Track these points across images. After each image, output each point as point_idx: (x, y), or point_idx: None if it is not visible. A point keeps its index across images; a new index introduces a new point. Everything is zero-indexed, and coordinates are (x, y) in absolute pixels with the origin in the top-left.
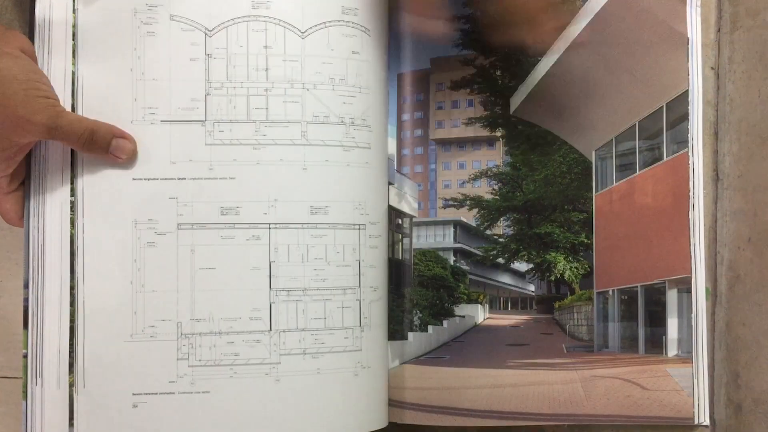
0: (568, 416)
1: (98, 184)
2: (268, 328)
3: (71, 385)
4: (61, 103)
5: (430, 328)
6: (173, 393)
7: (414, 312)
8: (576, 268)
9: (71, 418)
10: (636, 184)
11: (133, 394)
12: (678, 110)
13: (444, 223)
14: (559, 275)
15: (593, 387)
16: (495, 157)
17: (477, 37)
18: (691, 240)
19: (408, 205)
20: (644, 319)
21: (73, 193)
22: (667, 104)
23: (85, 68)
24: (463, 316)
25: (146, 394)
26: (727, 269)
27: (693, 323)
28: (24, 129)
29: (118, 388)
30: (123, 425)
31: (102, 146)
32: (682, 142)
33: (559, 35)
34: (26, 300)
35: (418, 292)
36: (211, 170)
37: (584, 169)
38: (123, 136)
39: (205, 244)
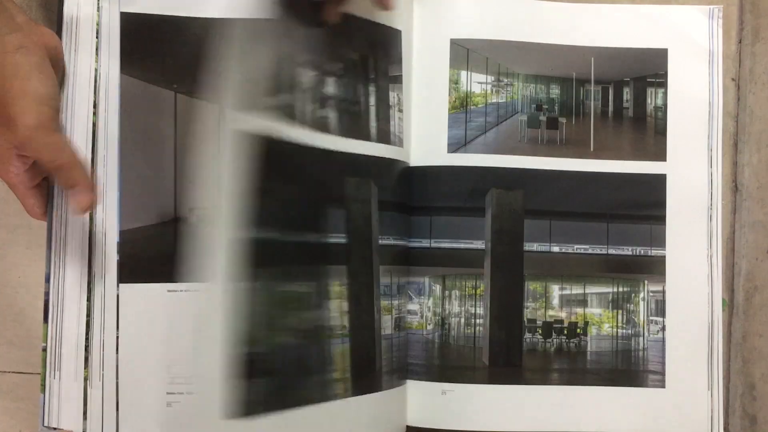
0: None
1: None
2: None
3: (86, 378)
4: (86, 102)
5: None
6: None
7: None
8: None
9: (85, 412)
10: None
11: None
12: None
13: None
14: None
15: None
16: None
17: None
18: (708, 251)
19: None
20: None
21: None
22: None
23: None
24: None
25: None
26: (744, 280)
27: (709, 334)
28: (8, 129)
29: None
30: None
31: (64, 184)
32: None
33: None
34: (47, 294)
35: None
36: None
37: None
38: (87, 189)
39: None
